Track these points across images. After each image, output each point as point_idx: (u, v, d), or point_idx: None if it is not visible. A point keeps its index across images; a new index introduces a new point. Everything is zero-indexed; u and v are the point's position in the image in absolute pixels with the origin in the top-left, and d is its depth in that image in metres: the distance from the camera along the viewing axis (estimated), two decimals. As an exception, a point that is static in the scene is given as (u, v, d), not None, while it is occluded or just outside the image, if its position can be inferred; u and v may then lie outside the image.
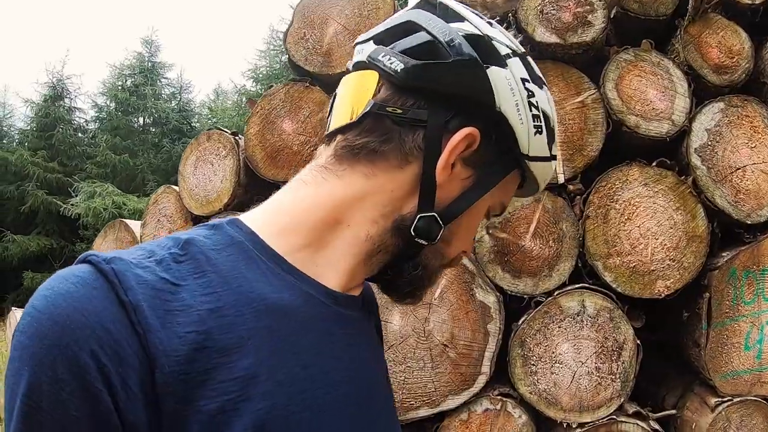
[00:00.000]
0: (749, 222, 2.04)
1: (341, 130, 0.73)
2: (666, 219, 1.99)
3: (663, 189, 2.00)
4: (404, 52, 0.71)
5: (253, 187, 2.45)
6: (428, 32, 0.71)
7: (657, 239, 1.98)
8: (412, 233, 0.72)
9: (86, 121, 17.03)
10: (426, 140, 0.70)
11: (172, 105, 17.12)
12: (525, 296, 2.00)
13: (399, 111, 0.70)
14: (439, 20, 0.72)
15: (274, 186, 2.35)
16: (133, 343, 0.55)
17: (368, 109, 0.71)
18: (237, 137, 2.55)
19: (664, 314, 2.16)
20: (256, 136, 2.35)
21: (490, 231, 2.02)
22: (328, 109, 0.78)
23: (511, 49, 0.74)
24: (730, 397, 2.02)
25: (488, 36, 0.72)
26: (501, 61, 0.72)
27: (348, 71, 0.78)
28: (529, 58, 0.77)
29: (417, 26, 0.72)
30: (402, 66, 0.70)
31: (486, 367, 1.96)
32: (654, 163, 2.03)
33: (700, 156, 2.05)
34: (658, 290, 1.96)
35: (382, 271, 0.76)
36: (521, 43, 2.07)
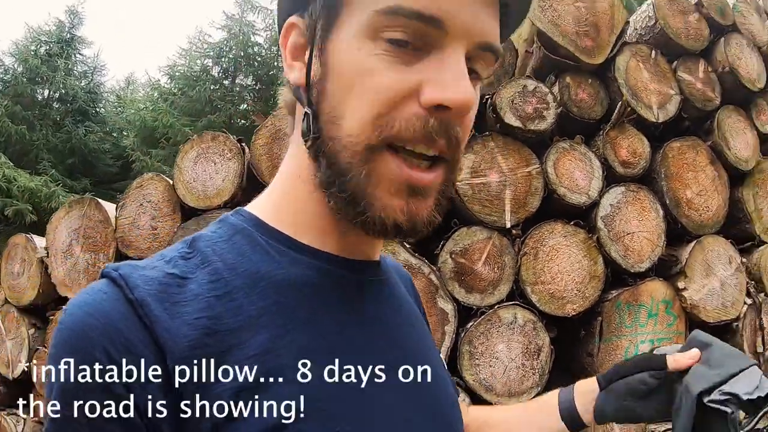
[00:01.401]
0: (632, 271, 2.81)
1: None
2: (576, 262, 2.77)
3: (576, 241, 2.78)
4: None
5: (253, 193, 2.92)
6: None
7: (569, 275, 2.74)
8: (304, 141, 0.66)
9: None
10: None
11: (82, 84, 16.13)
12: (474, 307, 2.64)
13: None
14: None
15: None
16: (144, 337, 0.57)
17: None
18: (243, 144, 2.84)
19: (568, 336, 2.93)
20: (263, 147, 2.77)
21: (453, 256, 2.71)
22: None
23: None
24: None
25: None
26: None
27: None
28: None
29: None
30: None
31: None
32: (572, 222, 2.78)
33: (604, 222, 2.85)
34: (568, 311, 2.69)
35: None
36: (494, 120, 2.82)
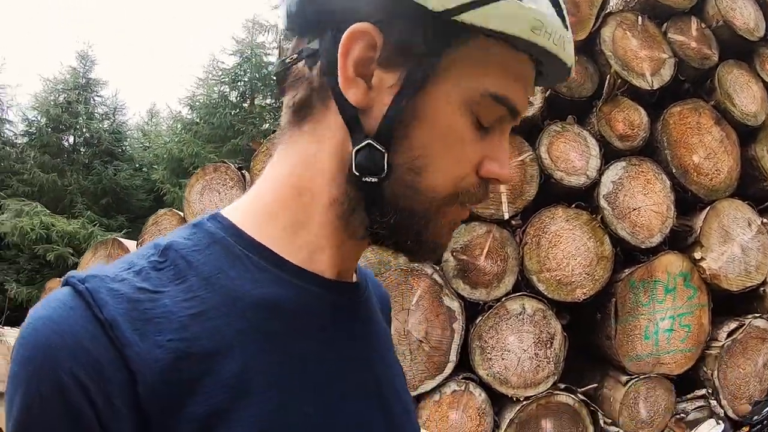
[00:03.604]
0: (644, 247, 2.75)
1: (284, 102, 0.69)
2: (582, 245, 2.69)
3: (579, 224, 2.71)
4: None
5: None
6: None
7: (575, 259, 2.67)
8: (357, 174, 0.63)
9: (15, 135, 16.19)
10: (324, 67, 0.63)
11: (105, 125, 16.52)
12: (480, 302, 2.62)
13: (295, 56, 0.66)
14: None
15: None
16: (113, 359, 0.54)
17: (279, 68, 0.68)
18: (243, 172, 2.94)
19: (584, 321, 2.85)
20: (261, 173, 2.85)
21: (454, 254, 2.66)
22: None
23: None
24: (637, 375, 2.67)
25: None
26: None
27: None
28: None
29: None
30: (290, 10, 0.66)
31: (453, 356, 2.56)
32: (573, 206, 2.72)
33: (607, 200, 2.77)
34: (577, 296, 2.64)
35: (369, 229, 0.66)
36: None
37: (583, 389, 2.66)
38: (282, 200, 0.67)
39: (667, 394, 2.71)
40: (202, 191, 2.92)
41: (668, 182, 2.83)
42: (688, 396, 2.75)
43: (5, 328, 5.50)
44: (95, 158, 15.92)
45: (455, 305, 2.59)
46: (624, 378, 2.70)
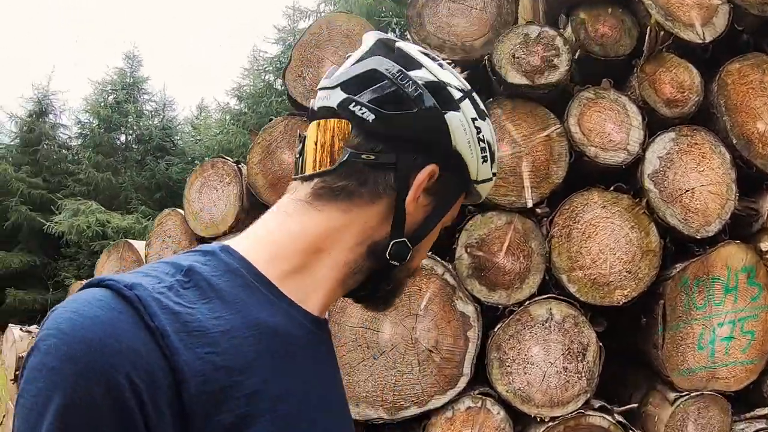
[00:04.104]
0: (698, 237, 2.30)
1: (319, 174, 0.81)
2: (622, 236, 2.26)
3: (619, 210, 2.28)
4: (373, 101, 0.79)
5: (256, 212, 2.68)
6: (393, 82, 0.80)
7: (614, 254, 2.25)
8: (387, 257, 0.83)
9: (70, 137, 16.99)
10: (397, 180, 0.81)
11: (155, 122, 17.13)
12: (500, 306, 2.25)
13: (372, 157, 0.79)
14: (401, 69, 0.81)
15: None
16: (163, 367, 0.60)
17: (345, 157, 0.79)
18: (239, 166, 2.77)
19: (630, 320, 2.42)
20: (258, 165, 2.58)
21: (468, 250, 2.28)
22: (298, 149, 0.87)
23: (462, 91, 0.85)
24: (687, 392, 2.26)
25: (443, 82, 0.83)
26: (455, 106, 0.83)
27: (313, 112, 0.86)
28: (475, 95, 0.87)
29: (382, 76, 0.81)
30: (373, 117, 0.79)
31: (467, 369, 2.21)
32: (611, 188, 2.30)
33: (653, 180, 2.33)
34: (617, 299, 2.22)
35: (357, 288, 0.87)
36: (496, 82, 2.36)
37: (621, 409, 2.25)
38: (296, 249, 0.80)
39: (723, 414, 2.27)
40: (200, 189, 2.80)
41: (728, 156, 2.37)
42: (747, 415, 2.32)
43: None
44: (147, 154, 16.58)
45: (470, 310, 2.24)
46: (672, 395, 2.28)
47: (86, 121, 16.76)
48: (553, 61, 2.29)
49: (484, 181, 0.89)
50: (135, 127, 16.57)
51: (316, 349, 0.80)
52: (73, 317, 0.58)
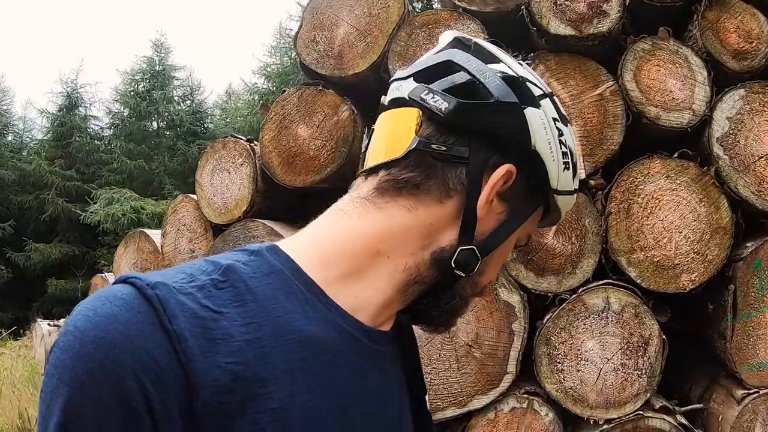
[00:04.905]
0: (774, 211, 2.00)
1: (385, 165, 0.75)
2: (689, 211, 1.96)
3: (685, 181, 1.98)
4: (447, 91, 0.73)
5: (272, 193, 2.45)
6: (469, 72, 0.74)
7: (680, 232, 1.95)
8: (452, 265, 0.74)
9: (101, 128, 17.35)
10: (468, 176, 0.73)
11: (185, 107, 17.32)
12: (549, 294, 1.99)
13: (443, 148, 0.72)
14: (478, 61, 0.75)
15: (292, 191, 2.35)
16: (177, 371, 0.56)
17: (414, 146, 0.73)
18: (252, 144, 2.54)
19: (690, 305, 2.13)
20: (271, 143, 2.34)
21: (511, 229, 2.01)
22: (365, 143, 0.81)
23: (542, 89, 0.77)
24: (756, 389, 1.99)
25: (522, 77, 0.76)
26: (535, 102, 0.75)
27: (384, 107, 0.80)
28: (556, 98, 0.80)
29: (457, 66, 0.75)
30: (446, 105, 0.72)
31: (512, 366, 1.96)
32: (676, 155, 2.00)
33: (722, 145, 2.01)
34: (683, 284, 1.94)
35: (416, 300, 0.78)
36: (537, 35, 2.06)
37: (684, 409, 1.99)
38: (352, 252, 0.73)
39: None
40: (212, 172, 2.57)
41: (810, 114, 2.03)
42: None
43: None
44: (179, 139, 16.79)
45: (515, 299, 1.99)
46: (739, 392, 1.99)
47: (117, 111, 17.06)
48: (602, 6, 1.97)
49: (564, 193, 0.80)
50: (165, 114, 16.71)
51: (370, 364, 0.73)
52: (90, 315, 0.57)
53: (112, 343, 0.55)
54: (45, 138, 16.98)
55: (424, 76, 0.76)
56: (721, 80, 2.07)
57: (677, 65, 2.02)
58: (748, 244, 2.03)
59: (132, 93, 16.72)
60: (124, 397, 0.54)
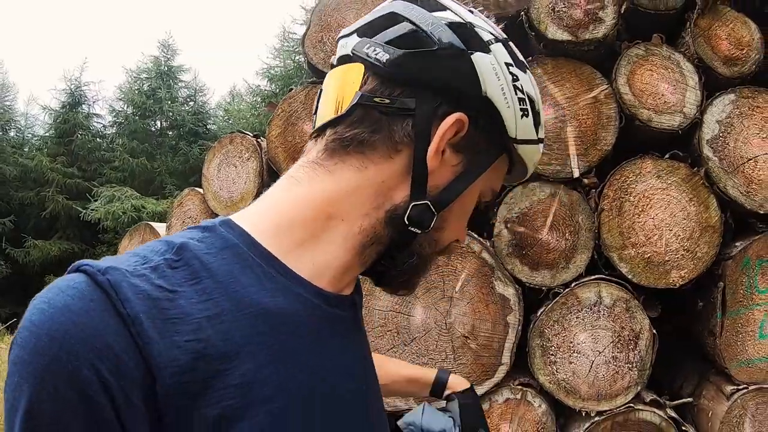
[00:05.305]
0: (762, 212, 2.06)
1: (330, 123, 0.72)
2: (679, 210, 2.03)
3: (676, 181, 2.05)
4: (389, 43, 0.71)
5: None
6: (411, 22, 0.71)
7: (671, 230, 2.02)
8: (406, 222, 0.72)
9: (104, 126, 17.29)
10: (415, 128, 0.70)
11: (188, 108, 17.31)
12: (543, 288, 2.05)
13: (386, 101, 0.70)
14: (422, 10, 0.72)
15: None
16: (134, 356, 0.55)
17: (356, 100, 0.70)
18: (259, 140, 2.62)
19: (680, 302, 2.20)
20: (278, 138, 2.42)
21: (508, 225, 2.08)
22: (315, 105, 0.77)
23: (493, 35, 0.74)
24: (745, 385, 2.05)
25: (470, 23, 0.72)
26: (485, 47, 0.72)
27: (332, 66, 0.77)
28: (512, 44, 0.76)
29: (399, 17, 0.72)
30: (387, 56, 0.70)
31: (506, 358, 2.02)
32: (667, 156, 2.07)
33: (712, 147, 2.08)
34: (673, 280, 2.00)
35: (375, 262, 0.75)
36: (535, 40, 2.13)
37: (674, 403, 2.04)
38: (304, 218, 0.70)
39: (787, 410, 2.03)
40: (219, 166, 2.65)
41: (798, 119, 2.09)
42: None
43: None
44: (181, 140, 16.76)
45: (510, 292, 2.04)
46: (728, 388, 2.05)
47: (120, 109, 17.02)
48: (598, 14, 2.05)
49: (526, 141, 0.76)
50: (169, 114, 16.72)
51: (331, 330, 0.71)
52: (44, 308, 0.55)
53: (66, 334, 0.53)
54: (47, 134, 16.91)
55: (368, 31, 0.74)
56: (712, 85, 2.13)
57: (669, 70, 2.09)
58: (737, 243, 2.09)
59: (137, 91, 16.72)
60: (82, 387, 0.53)
